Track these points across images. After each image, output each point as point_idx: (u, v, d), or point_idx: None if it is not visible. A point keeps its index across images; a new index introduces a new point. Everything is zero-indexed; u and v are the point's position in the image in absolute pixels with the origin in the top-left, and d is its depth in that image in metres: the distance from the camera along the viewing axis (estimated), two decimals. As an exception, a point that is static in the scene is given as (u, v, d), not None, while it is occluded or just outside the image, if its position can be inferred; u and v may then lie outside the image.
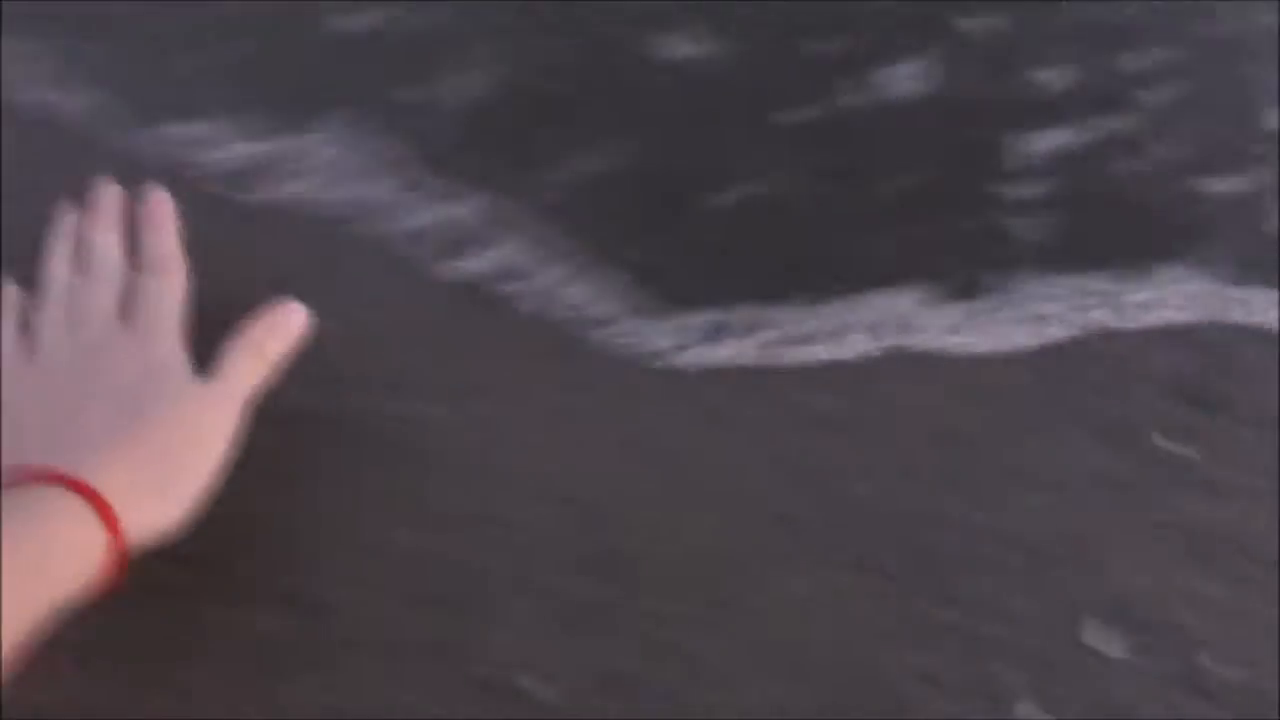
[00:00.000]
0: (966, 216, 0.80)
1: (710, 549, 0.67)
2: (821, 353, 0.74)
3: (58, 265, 0.64)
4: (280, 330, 0.63)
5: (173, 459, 0.56)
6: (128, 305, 0.62)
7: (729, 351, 0.73)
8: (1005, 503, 0.72)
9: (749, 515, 0.69)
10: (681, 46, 0.82)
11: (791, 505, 0.70)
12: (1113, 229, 0.81)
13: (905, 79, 0.84)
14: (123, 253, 0.64)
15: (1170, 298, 0.79)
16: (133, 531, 0.54)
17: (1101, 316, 0.78)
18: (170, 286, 0.62)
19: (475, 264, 0.74)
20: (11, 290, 0.67)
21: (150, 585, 0.56)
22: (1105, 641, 0.69)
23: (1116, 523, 0.72)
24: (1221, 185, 0.84)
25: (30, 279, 0.67)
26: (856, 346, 0.74)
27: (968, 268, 0.78)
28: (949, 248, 0.79)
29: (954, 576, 0.69)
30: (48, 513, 0.52)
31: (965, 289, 0.77)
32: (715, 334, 0.73)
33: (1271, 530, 0.73)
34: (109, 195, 0.67)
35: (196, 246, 0.66)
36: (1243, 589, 0.72)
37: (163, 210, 0.66)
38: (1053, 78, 0.86)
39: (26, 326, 0.64)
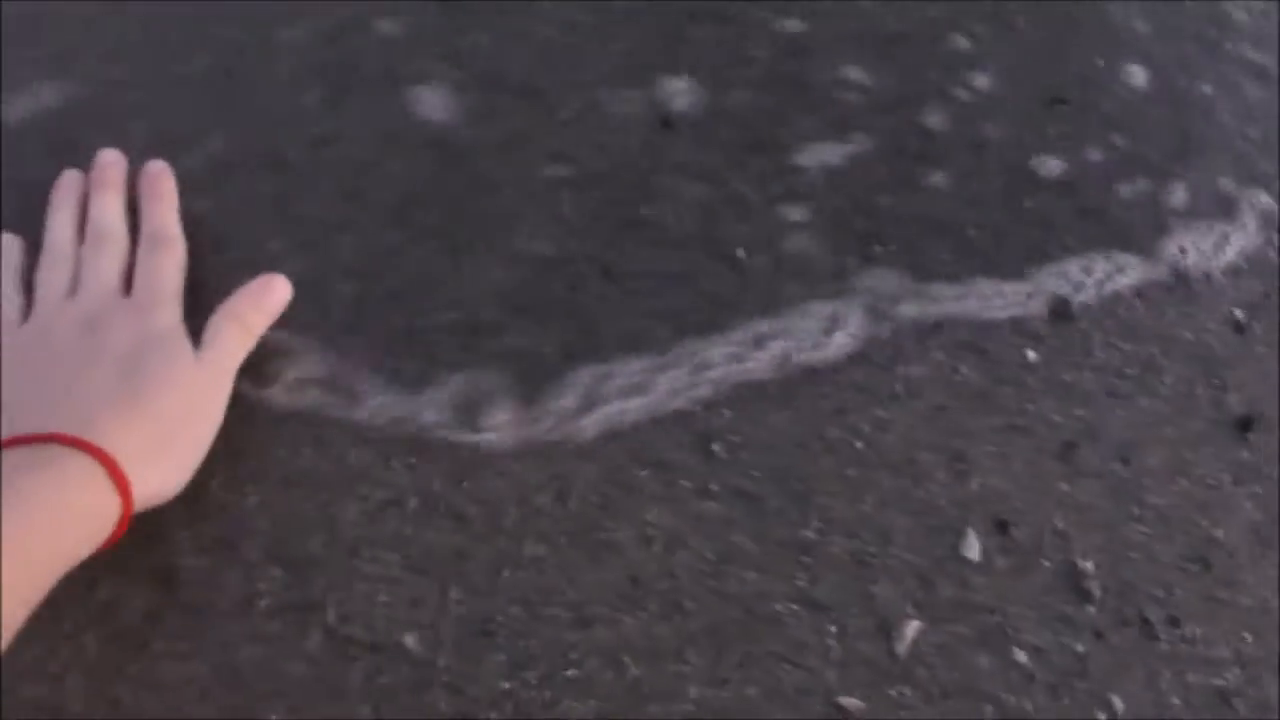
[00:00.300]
0: (749, 233, 0.77)
1: (568, 487, 0.66)
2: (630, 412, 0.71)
3: (61, 230, 0.64)
4: (264, 303, 0.64)
5: (174, 426, 0.57)
6: (129, 277, 0.63)
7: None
8: (872, 423, 0.72)
9: (608, 454, 0.67)
10: (435, 105, 0.78)
11: (651, 442, 0.68)
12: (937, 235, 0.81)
13: (682, 94, 0.82)
14: (124, 222, 0.65)
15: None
16: (137, 496, 0.54)
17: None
18: (170, 260, 0.63)
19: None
20: (14, 247, 0.65)
21: None
22: (984, 552, 0.69)
23: (985, 434, 0.73)
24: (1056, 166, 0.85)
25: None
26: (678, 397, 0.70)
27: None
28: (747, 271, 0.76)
29: (828, 500, 0.69)
30: (64, 475, 0.52)
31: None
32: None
33: (1125, 426, 0.75)
34: (112, 163, 0.67)
35: None
36: (1108, 488, 0.72)
37: (163, 183, 0.67)
38: (856, 78, 0.86)
39: (28, 287, 0.63)
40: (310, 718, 0.58)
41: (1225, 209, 0.85)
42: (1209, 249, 0.83)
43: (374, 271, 0.70)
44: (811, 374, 0.72)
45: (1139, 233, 0.82)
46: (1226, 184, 0.87)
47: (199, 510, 0.60)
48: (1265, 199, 0.87)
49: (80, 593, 0.59)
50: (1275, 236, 0.86)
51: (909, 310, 0.76)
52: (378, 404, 0.66)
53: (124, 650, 0.58)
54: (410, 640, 0.60)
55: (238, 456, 0.62)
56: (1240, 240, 0.84)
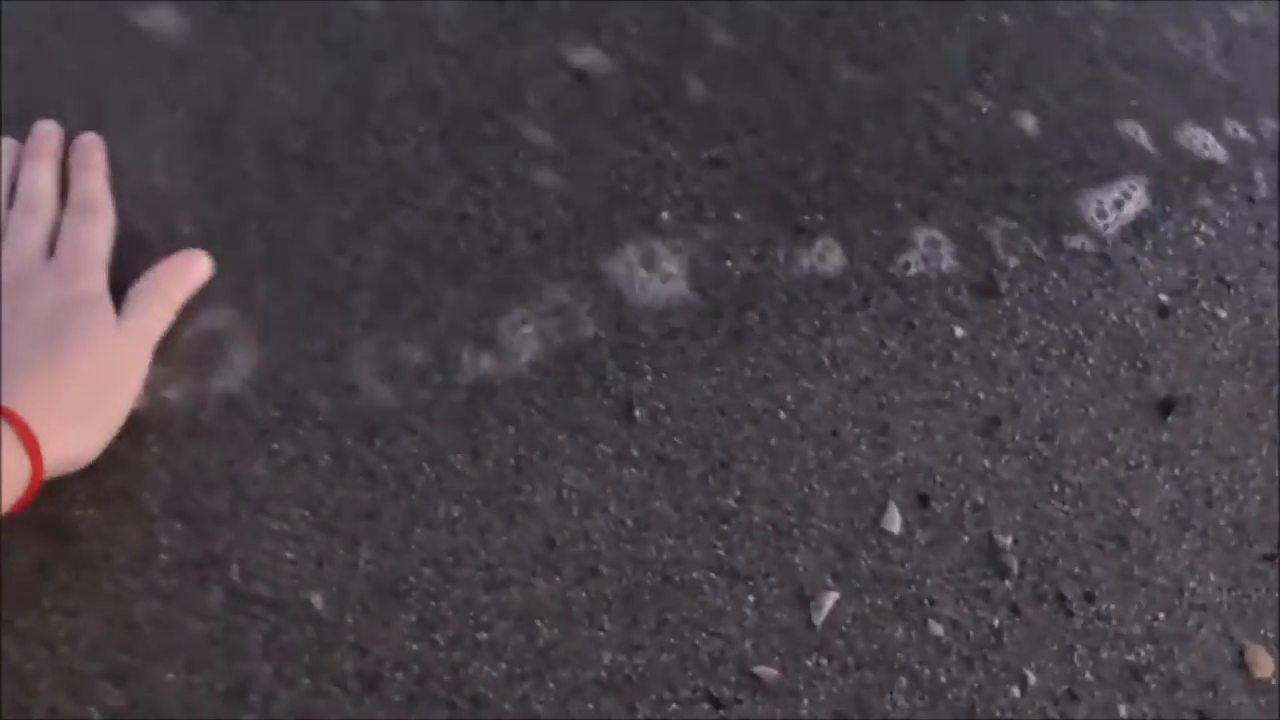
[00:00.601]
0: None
1: (484, 448, 0.64)
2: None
3: None
4: (186, 277, 0.63)
5: (92, 390, 0.56)
6: (54, 242, 0.61)
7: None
8: (797, 394, 0.71)
9: (525, 416, 0.66)
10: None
11: (571, 405, 0.67)
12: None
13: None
14: (55, 191, 0.64)
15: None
16: (49, 459, 0.53)
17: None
18: (97, 227, 0.62)
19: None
20: None
21: None
22: (905, 525, 0.69)
23: (909, 408, 0.72)
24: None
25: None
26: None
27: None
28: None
29: (749, 469, 0.68)
30: None
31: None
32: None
33: (1049, 404, 0.75)
34: (46, 134, 0.66)
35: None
36: (1029, 464, 0.72)
37: (94, 153, 0.66)
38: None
39: None
40: (208, 676, 0.56)
41: (1121, 158, 0.86)
42: (1110, 205, 0.83)
43: (287, 227, 0.68)
44: (735, 340, 0.71)
45: (1055, 203, 0.83)
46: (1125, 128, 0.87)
47: (97, 461, 0.58)
48: (1144, 137, 0.87)
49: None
50: (1196, 213, 0.86)
51: (835, 282, 0.75)
52: (291, 361, 0.64)
53: (12, 603, 0.56)
54: (316, 599, 0.59)
55: (140, 408, 0.60)
56: (1139, 200, 0.85)
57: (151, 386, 0.61)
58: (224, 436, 0.61)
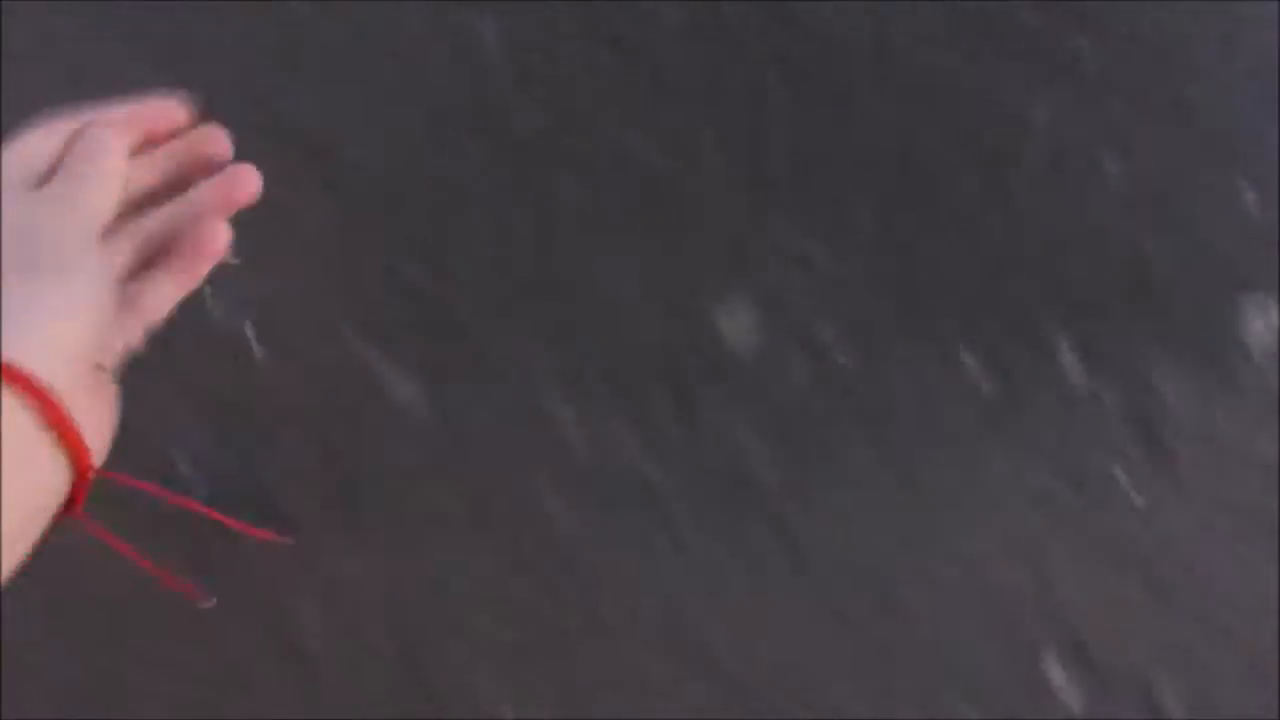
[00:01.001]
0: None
1: (662, 576, 0.69)
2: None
3: None
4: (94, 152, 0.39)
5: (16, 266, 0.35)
6: None
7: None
8: (966, 544, 0.73)
9: (702, 538, 0.71)
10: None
11: (746, 537, 0.71)
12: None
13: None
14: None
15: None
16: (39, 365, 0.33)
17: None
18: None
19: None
20: None
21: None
22: (1065, 682, 0.69)
23: (1079, 562, 0.73)
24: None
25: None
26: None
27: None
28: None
29: (914, 613, 0.70)
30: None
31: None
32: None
33: (1227, 564, 0.75)
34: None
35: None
36: (1201, 628, 0.73)
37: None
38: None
39: None
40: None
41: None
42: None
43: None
44: (901, 486, 0.74)
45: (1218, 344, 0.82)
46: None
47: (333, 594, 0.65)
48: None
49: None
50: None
51: (1005, 429, 0.77)
52: (492, 482, 0.71)
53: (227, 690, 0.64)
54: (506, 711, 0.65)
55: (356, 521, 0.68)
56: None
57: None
58: (431, 547, 0.69)
